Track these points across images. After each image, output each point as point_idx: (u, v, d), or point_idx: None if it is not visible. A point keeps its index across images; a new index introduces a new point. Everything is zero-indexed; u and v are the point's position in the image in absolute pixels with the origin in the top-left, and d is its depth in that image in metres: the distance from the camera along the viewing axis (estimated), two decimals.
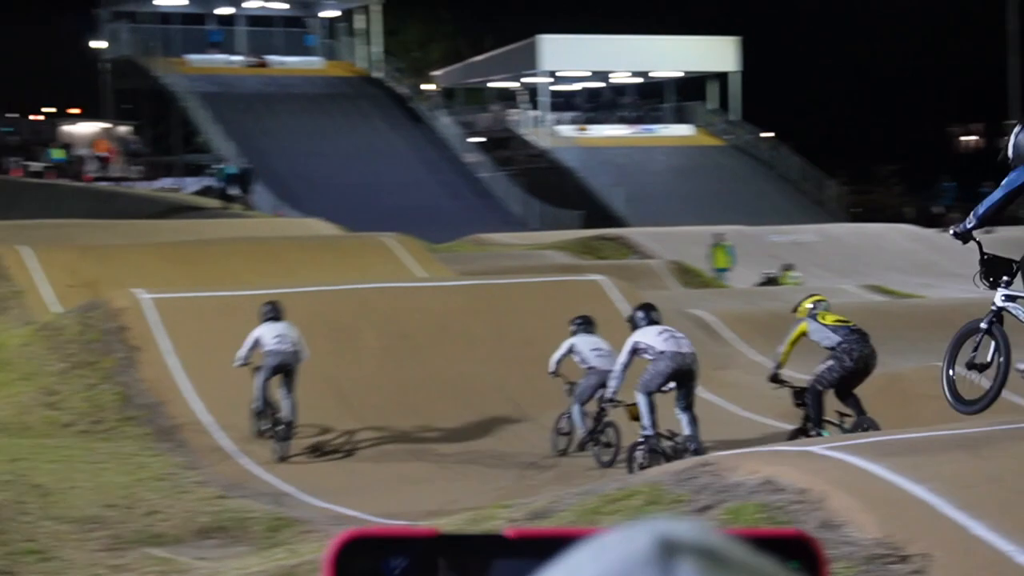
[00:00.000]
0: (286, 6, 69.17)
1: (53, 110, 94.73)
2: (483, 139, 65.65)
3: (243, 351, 15.92)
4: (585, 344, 15.69)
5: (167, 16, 67.52)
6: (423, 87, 70.54)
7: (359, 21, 69.85)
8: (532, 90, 68.37)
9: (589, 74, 69.18)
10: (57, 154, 55.12)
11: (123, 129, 60.21)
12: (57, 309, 19.45)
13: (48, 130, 73.74)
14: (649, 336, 14.52)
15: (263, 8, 68.75)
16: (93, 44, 69.52)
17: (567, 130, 66.42)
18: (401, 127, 62.82)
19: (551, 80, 67.35)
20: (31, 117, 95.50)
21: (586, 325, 15.96)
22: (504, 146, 66.06)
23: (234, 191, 45.16)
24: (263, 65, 66.69)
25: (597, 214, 54.98)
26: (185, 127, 63.34)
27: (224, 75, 64.85)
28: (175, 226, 36.00)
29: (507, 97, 70.89)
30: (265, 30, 69.63)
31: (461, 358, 17.88)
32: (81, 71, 72.78)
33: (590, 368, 15.56)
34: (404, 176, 56.86)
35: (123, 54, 66.91)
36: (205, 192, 54.90)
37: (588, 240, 37.99)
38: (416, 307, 18.85)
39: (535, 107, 67.37)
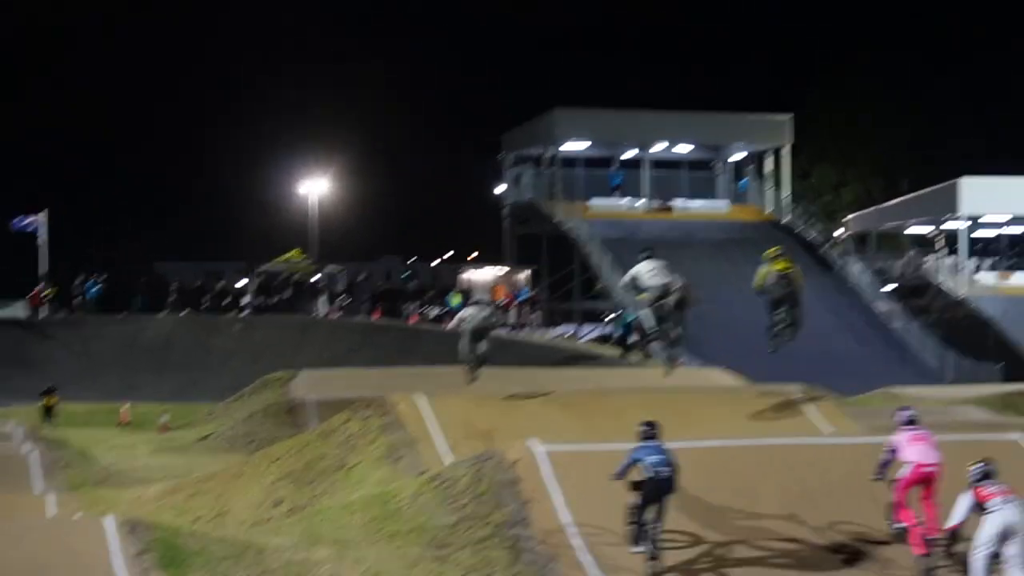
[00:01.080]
0: (692, 148, 69.95)
1: (451, 254, 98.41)
2: (897, 287, 64.34)
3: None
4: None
5: (570, 160, 69.31)
6: (834, 232, 69.86)
7: (768, 164, 69.96)
8: (950, 235, 66.73)
9: (1011, 218, 66.99)
10: (455, 300, 56.99)
11: (522, 275, 61.77)
12: (450, 459, 19.86)
13: (446, 275, 76.52)
14: None
15: (669, 152, 69.72)
16: (496, 189, 71.96)
17: (987, 277, 64.43)
18: (809, 274, 62.00)
19: (970, 224, 65.57)
20: (431, 263, 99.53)
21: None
22: (919, 294, 64.49)
23: (633, 339, 45.59)
24: (667, 210, 67.46)
25: (1020, 367, 52.90)
26: (584, 273, 64.50)
27: (626, 220, 65.90)
28: (572, 375, 36.46)
29: (923, 243, 69.40)
30: (670, 173, 70.54)
31: (868, 520, 17.28)
32: (482, 216, 75.45)
33: None
34: (811, 325, 55.85)
35: (524, 199, 68.97)
36: (603, 340, 55.63)
37: (1009, 396, 36.48)
38: (821, 465, 18.38)
39: (953, 253, 65.68)
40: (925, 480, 16.24)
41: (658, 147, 69.50)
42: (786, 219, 67.55)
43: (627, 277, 21.78)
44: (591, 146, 69.16)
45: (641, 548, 15.97)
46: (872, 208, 72.59)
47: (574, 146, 68.65)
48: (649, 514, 15.97)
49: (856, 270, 62.71)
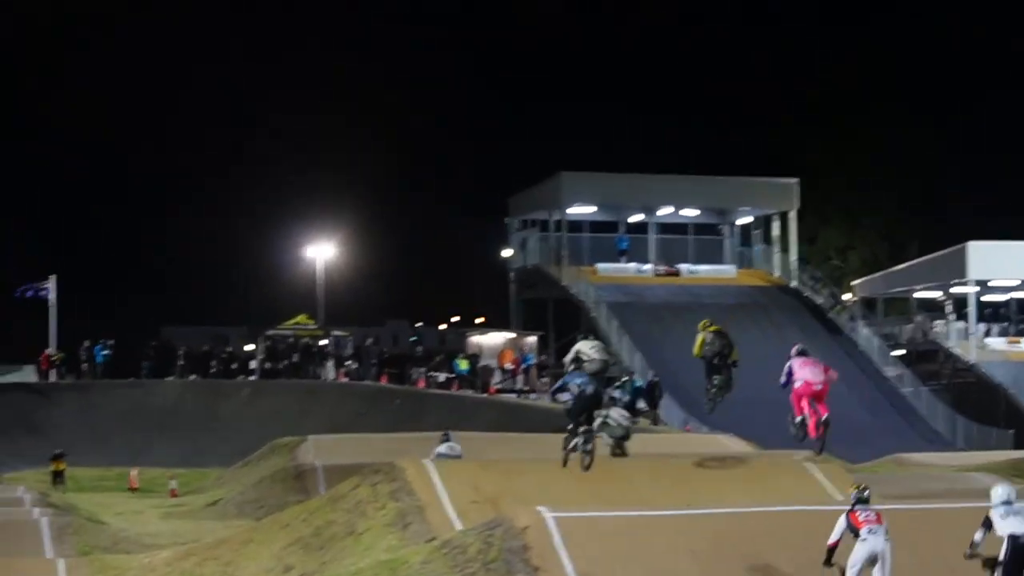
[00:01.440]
0: (699, 212, 70.24)
1: (457, 319, 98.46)
2: (905, 352, 64.44)
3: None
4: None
5: (576, 224, 69.58)
6: (842, 296, 70.03)
7: (775, 228, 70.22)
8: (959, 300, 66.87)
9: (1020, 282, 67.11)
10: (463, 365, 57.09)
11: (530, 340, 61.89)
12: (459, 526, 19.96)
13: (453, 339, 76.53)
14: None
15: (676, 216, 70.02)
16: (502, 253, 72.19)
17: (997, 343, 64.51)
18: (817, 338, 62.38)
19: (979, 289, 65.70)
20: (437, 327, 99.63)
21: None
22: (928, 359, 64.66)
23: (641, 405, 45.67)
24: (675, 274, 67.69)
25: None
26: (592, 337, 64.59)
27: (633, 284, 66.18)
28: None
29: (931, 307, 69.53)
30: (676, 237, 70.82)
31: None
32: (488, 280, 75.70)
33: None
34: None
35: (530, 263, 69.24)
36: (610, 405, 55.61)
37: (1020, 462, 36.49)
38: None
39: (962, 318, 65.77)
40: (815, 394, 21.20)
41: (664, 211, 69.81)
42: (794, 283, 67.77)
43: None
44: (597, 210, 69.49)
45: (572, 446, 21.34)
46: (880, 273, 72.80)
47: (580, 210, 68.97)
48: (581, 418, 21.32)
49: (864, 335, 62.87)
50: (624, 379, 51.05)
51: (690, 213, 70.17)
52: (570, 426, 21.56)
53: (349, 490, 22.32)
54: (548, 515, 18.11)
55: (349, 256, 77.98)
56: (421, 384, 56.92)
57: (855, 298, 71.94)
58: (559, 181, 67.91)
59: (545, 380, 56.43)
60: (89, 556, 23.15)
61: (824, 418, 21.20)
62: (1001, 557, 15.51)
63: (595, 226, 70.82)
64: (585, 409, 21.42)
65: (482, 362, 58.17)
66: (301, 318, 64.53)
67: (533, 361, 57.89)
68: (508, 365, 57.03)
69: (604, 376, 22.97)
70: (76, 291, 67.53)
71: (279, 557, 20.97)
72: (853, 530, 15.99)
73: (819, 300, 66.24)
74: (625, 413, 23.69)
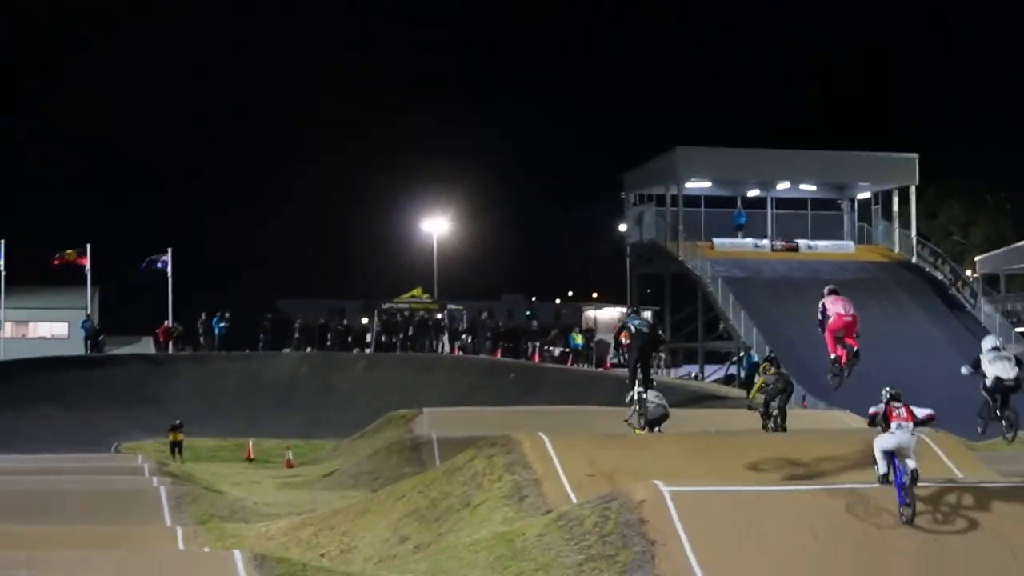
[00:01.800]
0: (816, 188, 69.55)
1: (572, 294, 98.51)
2: None
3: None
4: None
5: (692, 199, 69.17)
6: (964, 272, 69.05)
7: (894, 203, 69.35)
8: None
9: None
10: (578, 339, 57.06)
11: (645, 315, 61.66)
12: (574, 499, 19.96)
13: (568, 314, 76.53)
14: None
15: (794, 191, 69.38)
16: (618, 228, 72.00)
17: None
18: (938, 315, 61.60)
19: None
20: (553, 302, 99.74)
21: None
22: None
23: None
24: (793, 249, 67.09)
25: None
26: (707, 313, 64.31)
27: (750, 260, 65.65)
28: (695, 415, 36.41)
29: None
30: (794, 212, 70.19)
31: (1002, 571, 17.14)
32: (604, 256, 75.54)
33: None
34: (940, 367, 55.38)
35: (647, 238, 68.96)
36: (728, 381, 55.41)
37: None
38: (953, 511, 18.25)
39: None
40: (846, 326, 23.03)
41: (782, 186, 69.19)
42: (914, 259, 66.91)
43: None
44: (713, 185, 69.02)
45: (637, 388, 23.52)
46: (1003, 248, 71.65)
47: (697, 185, 68.53)
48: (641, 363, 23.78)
49: (987, 311, 61.92)
50: (740, 354, 50.84)
51: (808, 188, 69.47)
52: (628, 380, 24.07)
53: (465, 462, 22.40)
54: (664, 489, 18.06)
55: (465, 230, 78.26)
56: (536, 358, 57.01)
57: (977, 274, 70.88)
58: (675, 156, 67.53)
59: (661, 356, 56.26)
60: (207, 525, 23.46)
61: (855, 350, 23.21)
62: (990, 387, 21.73)
63: (711, 201, 70.35)
64: (639, 359, 23.98)
65: (597, 336, 58.10)
66: (417, 291, 64.86)
67: None
68: (623, 340, 56.80)
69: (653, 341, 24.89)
70: (193, 264, 68.43)
71: (395, 528, 21.10)
72: (886, 422, 18.80)
73: (940, 276, 65.31)
74: (660, 395, 24.61)
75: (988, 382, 21.46)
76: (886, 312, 59.36)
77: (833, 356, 23.27)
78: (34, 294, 69.63)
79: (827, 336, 23.23)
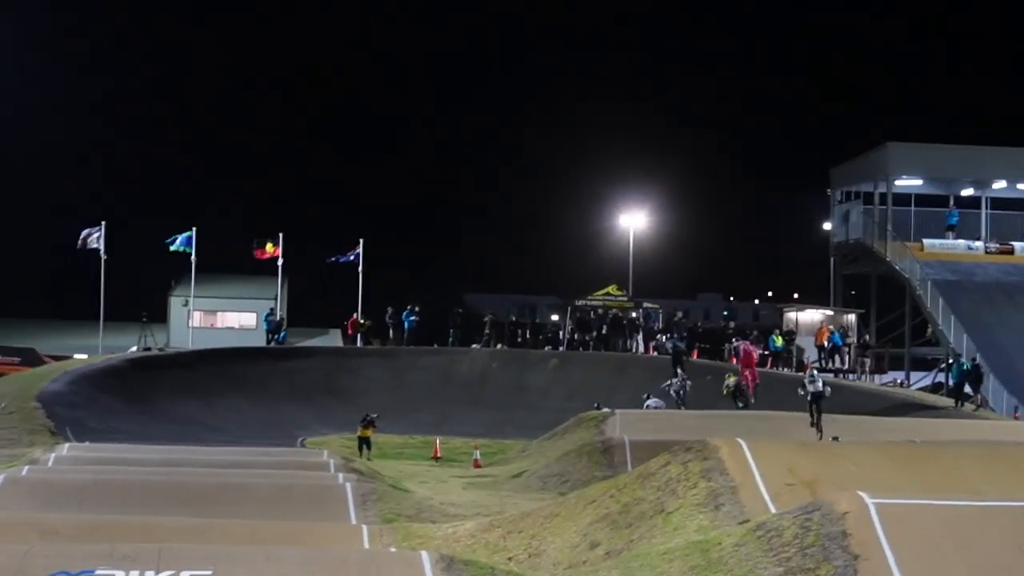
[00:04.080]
0: None
1: (772, 294, 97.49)
2: None
3: None
4: None
5: (902, 197, 68.01)
6: None
7: None
8: None
9: None
10: (778, 341, 56.42)
11: (849, 317, 60.78)
12: (773, 508, 19.69)
13: (768, 315, 75.70)
14: None
15: (1011, 191, 67.79)
16: (823, 227, 71.11)
17: None
18: None
19: None
20: (751, 302, 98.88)
21: None
22: None
23: (967, 389, 44.50)
24: (1009, 252, 65.55)
25: None
26: (915, 317, 63.19)
27: (963, 262, 64.36)
28: (901, 424, 35.77)
29: None
30: (1010, 214, 68.63)
31: None
32: (806, 255, 74.62)
33: None
34: None
35: (852, 237, 67.99)
36: (935, 389, 54.33)
37: None
38: None
39: None
40: None
41: (998, 185, 67.65)
42: None
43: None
44: (924, 183, 67.77)
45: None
46: None
47: (907, 183, 67.35)
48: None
49: None
50: (949, 361, 49.78)
51: None
52: None
53: (659, 467, 22.25)
54: (869, 501, 17.70)
55: (661, 226, 77.91)
56: (733, 361, 56.49)
57: None
58: (886, 152, 66.47)
59: (867, 361, 55.45)
60: (393, 524, 23.60)
61: None
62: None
63: (922, 200, 69.13)
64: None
65: (798, 339, 57.41)
66: (611, 288, 64.73)
67: (839, 341, 56.65)
68: (826, 343, 56.12)
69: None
70: (383, 257, 69.27)
71: (585, 533, 21.04)
72: None
73: None
74: (660, 402, 25.65)
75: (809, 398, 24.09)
76: None
77: None
78: (223, 283, 71.06)
79: None
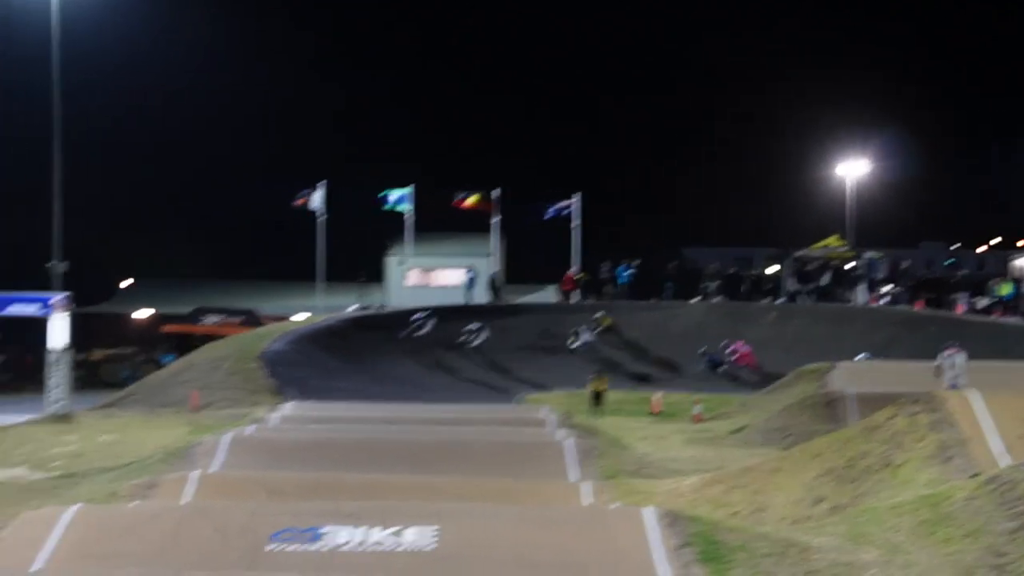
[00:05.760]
0: None
1: (999, 240, 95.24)
2: None
3: None
4: None
5: None
6: None
7: None
8: None
9: None
10: (1004, 290, 55.03)
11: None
12: (1007, 461, 19.29)
13: (993, 262, 74.01)
14: None
15: None
16: None
17: None
18: None
19: None
20: (976, 250, 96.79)
21: None
22: None
23: None
24: None
25: None
26: None
27: None
28: None
29: None
30: None
31: None
32: None
33: None
34: None
35: None
36: None
37: None
38: None
39: None
40: None
41: None
42: None
43: None
44: None
45: None
46: None
47: None
48: None
49: None
50: None
51: None
52: None
53: (885, 420, 21.95)
54: None
55: (882, 173, 76.52)
56: (959, 310, 55.30)
57: None
58: None
59: None
60: (614, 480, 23.65)
61: None
62: None
63: None
64: None
65: None
66: (831, 239, 63.76)
67: None
68: None
69: None
70: (599, 210, 69.27)
71: (809, 488, 20.85)
72: None
73: None
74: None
75: None
76: None
77: None
78: (439, 241, 71.72)
79: None
